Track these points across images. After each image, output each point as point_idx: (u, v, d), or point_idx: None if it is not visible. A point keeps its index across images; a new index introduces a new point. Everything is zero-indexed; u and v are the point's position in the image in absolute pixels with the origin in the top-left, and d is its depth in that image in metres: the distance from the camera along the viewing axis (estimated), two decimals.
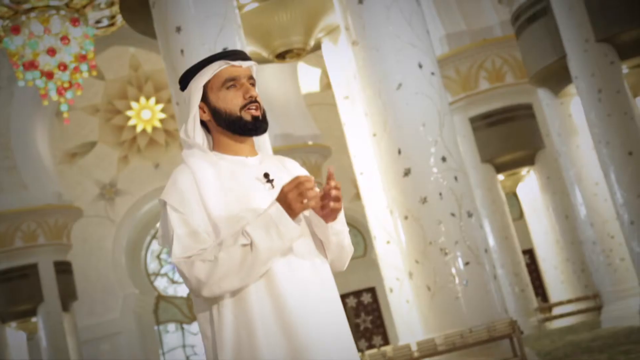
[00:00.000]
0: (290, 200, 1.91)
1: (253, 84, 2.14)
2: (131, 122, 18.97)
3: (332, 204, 1.98)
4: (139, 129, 19.05)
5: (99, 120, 18.70)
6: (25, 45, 11.10)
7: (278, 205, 1.92)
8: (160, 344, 19.60)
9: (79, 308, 16.49)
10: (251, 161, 2.12)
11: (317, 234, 2.08)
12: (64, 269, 15.41)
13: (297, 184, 1.91)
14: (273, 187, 2.08)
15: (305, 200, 1.91)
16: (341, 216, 2.07)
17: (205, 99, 2.12)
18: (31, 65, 11.18)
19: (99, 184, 18.87)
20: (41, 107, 14.23)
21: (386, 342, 18.47)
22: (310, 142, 15.14)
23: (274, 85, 14.70)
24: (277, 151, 13.19)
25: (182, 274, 1.96)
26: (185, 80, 2.16)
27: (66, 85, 11.45)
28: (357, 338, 18.47)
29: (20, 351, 16.59)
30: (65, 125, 15.89)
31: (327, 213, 2.01)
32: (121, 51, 17.35)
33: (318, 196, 1.95)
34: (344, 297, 18.66)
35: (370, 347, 18.23)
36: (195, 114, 2.13)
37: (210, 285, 1.92)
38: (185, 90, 2.16)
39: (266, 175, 2.09)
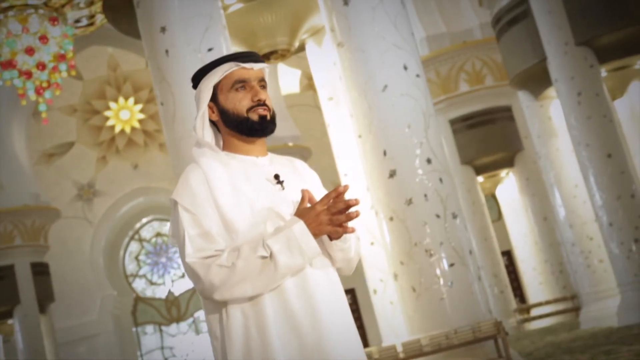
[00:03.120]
0: (322, 221, 1.93)
1: (264, 87, 2.14)
2: (109, 123, 18.83)
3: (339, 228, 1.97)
4: (117, 129, 18.92)
5: (77, 120, 18.54)
6: (3, 44, 10.97)
7: (303, 224, 1.93)
8: (139, 345, 19.47)
9: (56, 310, 16.33)
10: (261, 161, 2.12)
11: (324, 244, 2.07)
12: (41, 271, 15.26)
13: (330, 206, 1.92)
14: (283, 188, 2.08)
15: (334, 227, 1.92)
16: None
17: (215, 99, 2.12)
18: (9, 65, 11.04)
19: (77, 185, 18.70)
20: (18, 106, 14.07)
21: (366, 343, 18.49)
22: (290, 144, 15.12)
23: None
24: None
25: (194, 275, 1.95)
26: (196, 80, 2.17)
27: (45, 85, 11.33)
28: None
29: None
30: (43, 126, 15.71)
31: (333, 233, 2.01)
32: (99, 51, 17.22)
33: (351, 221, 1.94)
34: None
35: None
36: (203, 112, 2.13)
37: (223, 291, 1.92)
38: (196, 90, 2.16)
39: (277, 177, 2.09)
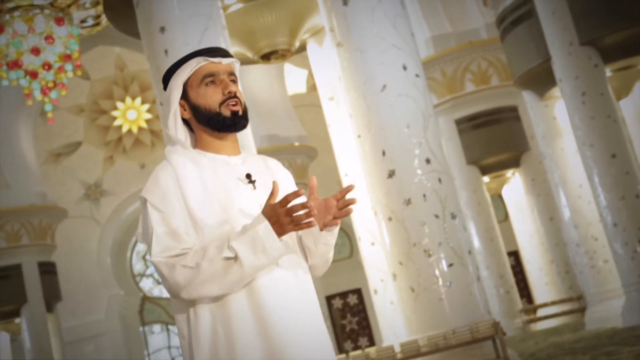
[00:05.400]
0: (283, 222, 1.91)
1: (234, 80, 2.12)
2: (117, 123, 18.90)
3: (333, 219, 1.98)
4: (124, 129, 18.98)
5: (84, 120, 18.61)
6: (9, 44, 11.03)
7: (267, 224, 1.91)
8: (146, 345, 19.52)
9: (63, 309, 16.40)
10: (233, 160, 2.10)
11: (304, 239, 2.07)
12: (48, 270, 15.32)
13: (290, 207, 1.90)
14: (255, 188, 2.07)
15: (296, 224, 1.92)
16: (335, 230, 2.05)
17: (185, 96, 2.11)
18: (15, 65, 11.11)
19: (84, 185, 18.78)
20: (25, 106, 14.14)
21: (372, 343, 18.48)
22: (296, 144, 15.13)
23: (260, 86, 14.69)
24: (263, 152, 13.16)
25: (161, 274, 1.95)
26: (166, 80, 2.16)
27: (50, 85, 11.39)
28: (342, 339, 18.48)
29: (3, 352, 16.48)
30: (50, 125, 15.80)
31: (328, 223, 2.01)
32: (106, 51, 17.28)
33: (312, 218, 1.93)
34: (330, 298, 18.66)
35: (356, 348, 18.23)
36: (175, 111, 2.12)
37: (189, 290, 1.92)
38: (167, 89, 2.15)
39: (248, 176, 2.08)
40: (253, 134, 8.93)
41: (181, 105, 2.12)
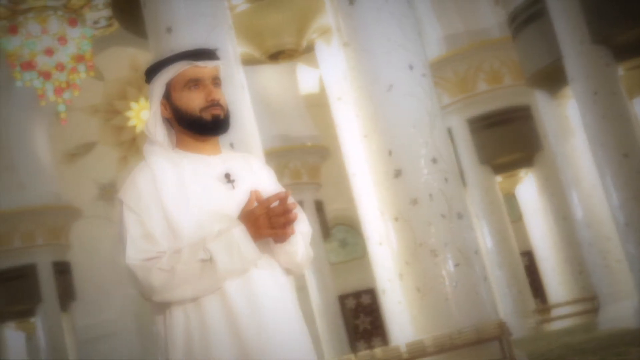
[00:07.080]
0: (261, 224, 1.91)
1: (218, 84, 2.12)
2: (131, 123, 18.98)
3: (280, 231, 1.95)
4: (138, 129, 19.06)
5: (99, 120, 18.72)
6: (22, 45, 11.13)
7: (243, 228, 1.92)
8: None
9: (78, 308, 16.49)
10: (213, 160, 2.09)
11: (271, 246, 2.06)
12: (62, 269, 15.43)
13: (269, 210, 1.91)
14: (234, 187, 2.05)
15: (275, 230, 1.92)
16: (293, 237, 2.02)
17: (168, 96, 2.11)
18: (29, 66, 11.21)
19: (99, 185, 18.88)
20: (39, 107, 14.23)
21: (385, 343, 18.39)
22: (308, 143, 15.13)
23: (272, 86, 14.71)
24: (275, 152, 13.18)
25: (133, 277, 1.95)
26: (150, 75, 2.16)
27: (64, 85, 11.48)
28: (355, 339, 18.45)
29: (19, 351, 16.61)
30: (65, 126, 15.89)
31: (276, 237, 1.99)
32: (121, 52, 17.33)
33: (292, 224, 1.93)
34: (343, 298, 18.63)
35: (370, 348, 18.19)
36: (155, 110, 2.12)
37: (162, 293, 1.93)
38: (150, 85, 2.16)
39: (227, 176, 2.07)
40: (265, 134, 8.94)
41: (162, 104, 2.12)
